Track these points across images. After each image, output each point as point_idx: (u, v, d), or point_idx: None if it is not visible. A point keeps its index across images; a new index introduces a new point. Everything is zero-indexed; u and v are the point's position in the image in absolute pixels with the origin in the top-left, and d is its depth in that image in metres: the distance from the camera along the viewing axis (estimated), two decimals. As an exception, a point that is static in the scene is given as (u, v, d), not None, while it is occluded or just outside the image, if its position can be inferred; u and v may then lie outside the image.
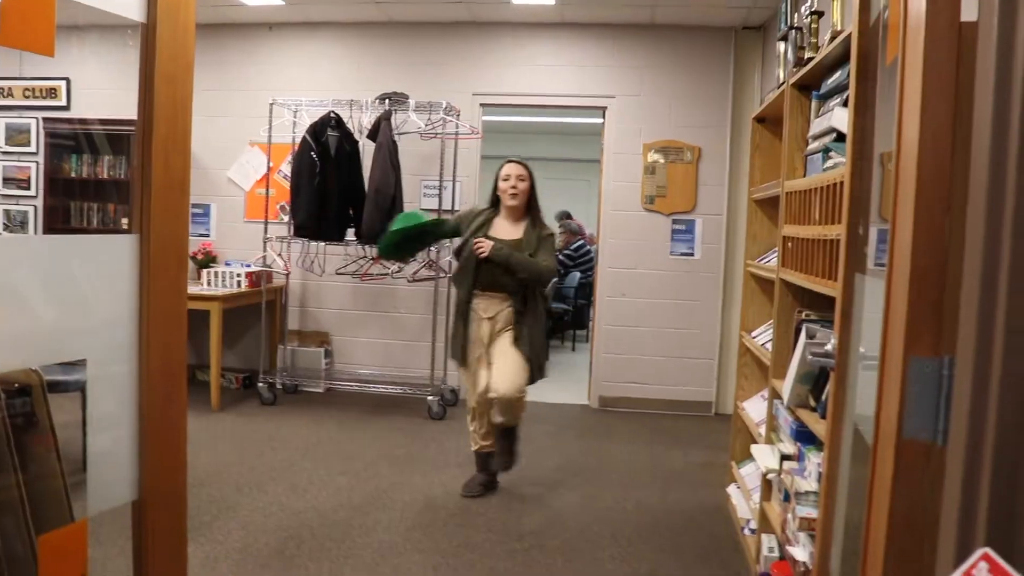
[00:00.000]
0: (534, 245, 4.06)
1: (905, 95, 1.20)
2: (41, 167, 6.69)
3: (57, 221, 6.62)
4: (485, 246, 3.98)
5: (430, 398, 5.88)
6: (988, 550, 0.74)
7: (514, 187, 4.11)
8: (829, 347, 1.89)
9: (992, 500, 0.92)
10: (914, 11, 1.20)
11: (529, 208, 4.18)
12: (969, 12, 1.15)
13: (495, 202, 4.22)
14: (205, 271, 6.14)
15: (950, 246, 1.13)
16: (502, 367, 4.02)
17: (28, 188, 6.81)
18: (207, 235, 6.75)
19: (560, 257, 9.69)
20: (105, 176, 6.63)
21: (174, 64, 2.21)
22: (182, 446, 2.39)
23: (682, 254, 6.33)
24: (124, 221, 6.66)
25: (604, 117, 6.44)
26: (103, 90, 6.53)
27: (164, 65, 2.15)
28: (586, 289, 9.28)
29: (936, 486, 1.09)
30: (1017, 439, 0.90)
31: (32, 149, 6.79)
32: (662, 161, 6.33)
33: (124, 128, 6.44)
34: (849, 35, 2.36)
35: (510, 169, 4.15)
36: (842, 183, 2.22)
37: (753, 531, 3.50)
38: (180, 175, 2.27)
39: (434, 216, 4.17)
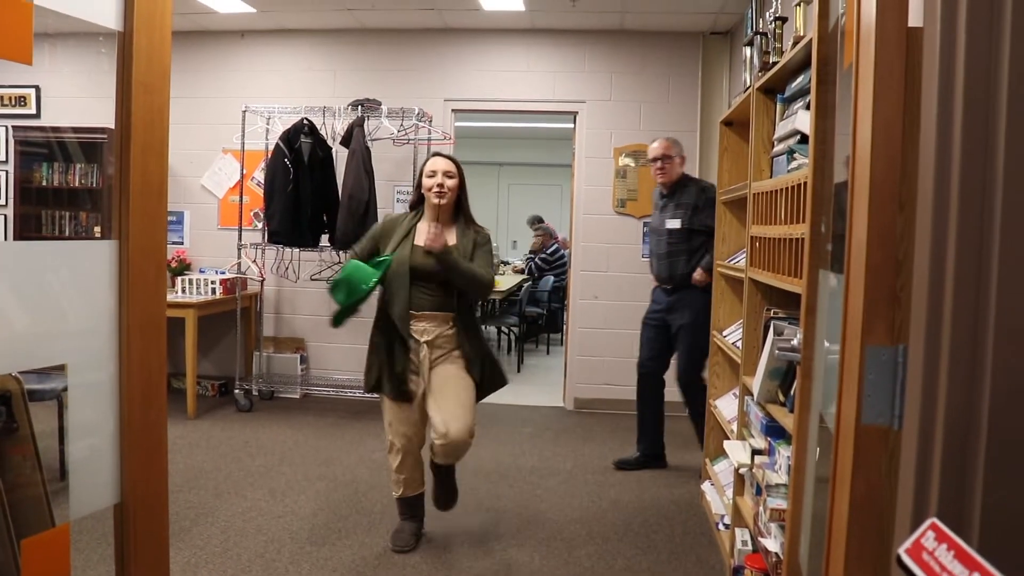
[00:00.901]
0: (469, 252, 3.49)
1: (859, 98, 1.26)
2: (11, 176, 6.63)
3: (29, 230, 6.56)
4: (438, 240, 3.33)
5: (407, 402, 5.89)
6: (935, 520, 0.79)
7: (440, 185, 3.46)
8: (795, 342, 1.95)
9: (943, 478, 0.97)
10: (865, 17, 1.26)
11: (459, 210, 3.58)
12: (917, 18, 1.22)
13: (418, 202, 3.61)
14: (179, 278, 6.12)
15: (904, 241, 1.19)
16: (452, 403, 3.39)
17: (-2, 197, 6.75)
18: (180, 243, 6.72)
19: (537, 261, 9.77)
20: (77, 184, 6.58)
21: (151, 72, 2.23)
22: (163, 449, 2.41)
23: (654, 256, 6.40)
24: (96, 229, 6.62)
25: (575, 122, 6.51)
26: (73, 98, 6.49)
27: (141, 73, 2.17)
28: (559, 293, 9.35)
29: (893, 468, 1.15)
30: (963, 420, 0.96)
31: (2, 158, 6.73)
32: (633, 165, 6.41)
33: (96, 136, 6.40)
34: (811, 41, 2.43)
35: (436, 164, 3.51)
36: (806, 183, 2.29)
37: (727, 526, 3.57)
38: (158, 182, 2.29)
39: (371, 272, 3.42)
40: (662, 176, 4.73)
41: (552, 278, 9.49)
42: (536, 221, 10.40)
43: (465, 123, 9.37)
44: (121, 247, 2.19)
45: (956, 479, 0.97)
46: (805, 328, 1.92)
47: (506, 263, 11.61)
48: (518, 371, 8.21)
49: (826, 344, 1.72)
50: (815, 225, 2.00)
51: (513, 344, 9.32)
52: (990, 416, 0.95)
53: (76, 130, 6.47)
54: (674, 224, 4.62)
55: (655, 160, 4.74)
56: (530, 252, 10.28)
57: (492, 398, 3.85)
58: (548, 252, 9.77)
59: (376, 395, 3.59)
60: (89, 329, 2.16)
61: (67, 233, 6.58)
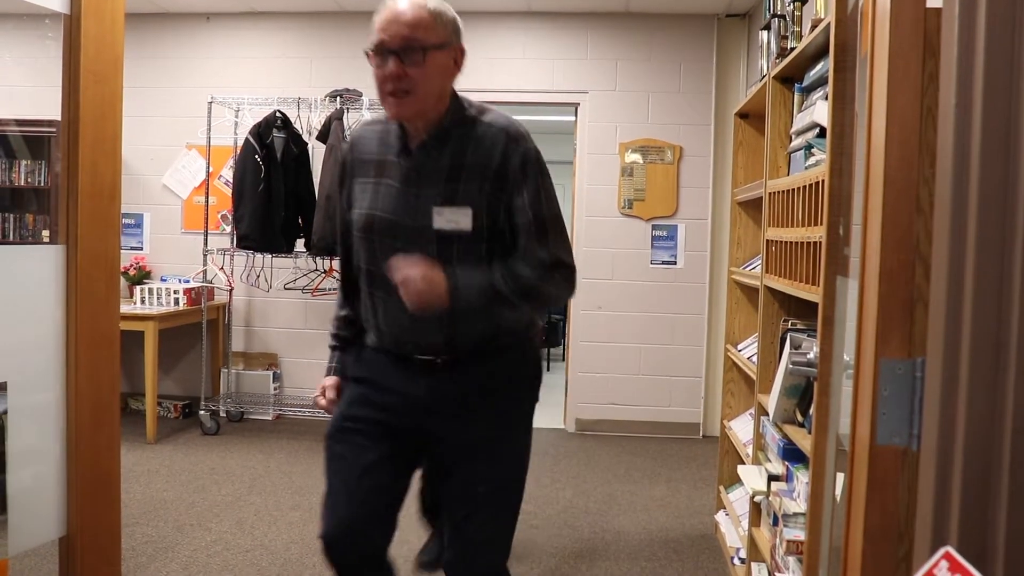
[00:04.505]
0: None
1: (874, 85, 1.28)
2: (-51, 174, 6.64)
3: (-33, 234, 6.58)
4: None
5: (390, 424, 5.89)
6: (949, 549, 0.80)
7: None
8: (811, 356, 1.96)
9: (963, 503, 0.98)
10: (882, -3, 1.28)
11: None
12: (936, -1, 1.23)
13: None
14: (138, 288, 6.12)
15: (923, 244, 1.20)
16: None
17: (-65, 198, 6.76)
18: (140, 248, 6.73)
19: None
20: (22, 183, 6.59)
21: (101, 60, 2.25)
22: (115, 477, 2.42)
23: (663, 262, 6.42)
24: (45, 233, 6.62)
25: (576, 114, 6.54)
26: (18, 87, 6.51)
27: (90, 61, 2.20)
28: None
29: (912, 491, 1.16)
30: (986, 439, 0.97)
31: (-61, 154, 6.74)
32: (640, 162, 6.43)
33: (43, 130, 6.41)
34: (829, 24, 2.45)
35: None
36: (824, 181, 2.31)
37: (743, 560, 3.57)
38: (110, 181, 2.32)
39: None
40: (398, 105, 2.23)
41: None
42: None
43: (455, 115, 9.38)
44: (68, 252, 2.20)
45: (978, 504, 0.98)
46: (822, 340, 1.93)
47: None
48: (514, 390, 8.21)
49: (845, 358, 1.73)
50: (832, 227, 2.02)
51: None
52: (1014, 435, 0.96)
53: (20, 123, 6.47)
54: (459, 219, 2.12)
55: (385, 53, 2.24)
56: None
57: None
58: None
59: None
60: (33, 344, 2.17)
61: (11, 237, 6.58)
